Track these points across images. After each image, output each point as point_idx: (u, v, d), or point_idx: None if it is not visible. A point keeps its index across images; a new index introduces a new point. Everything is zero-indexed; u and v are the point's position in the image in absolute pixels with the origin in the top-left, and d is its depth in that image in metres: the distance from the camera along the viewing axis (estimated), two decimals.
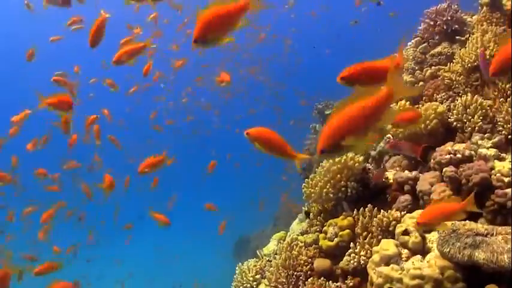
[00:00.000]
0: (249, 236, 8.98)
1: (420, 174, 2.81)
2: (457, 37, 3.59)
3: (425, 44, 3.67)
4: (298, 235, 3.04)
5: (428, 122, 2.80)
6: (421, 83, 3.44)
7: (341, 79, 1.74)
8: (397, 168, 3.15)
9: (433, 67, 3.49)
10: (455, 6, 3.71)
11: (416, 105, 3.27)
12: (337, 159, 2.77)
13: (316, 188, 2.78)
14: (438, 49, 3.60)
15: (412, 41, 3.96)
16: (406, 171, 2.80)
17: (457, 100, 2.93)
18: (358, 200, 2.81)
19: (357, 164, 2.74)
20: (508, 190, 2.14)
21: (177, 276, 8.70)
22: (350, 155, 2.76)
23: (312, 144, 6.12)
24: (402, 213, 2.51)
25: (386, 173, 3.18)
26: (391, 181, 2.93)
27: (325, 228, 2.76)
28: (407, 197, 2.68)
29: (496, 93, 2.87)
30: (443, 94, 3.12)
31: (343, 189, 2.75)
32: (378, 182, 2.80)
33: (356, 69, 1.74)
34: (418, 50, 3.67)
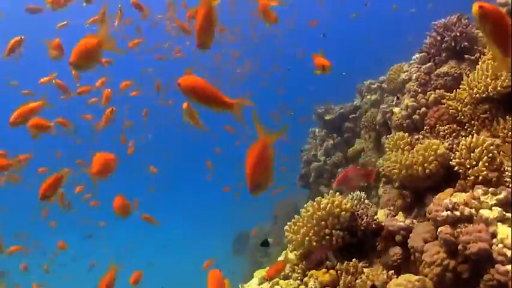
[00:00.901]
0: (248, 233, 8.78)
1: (414, 222, 2.51)
2: (466, 56, 3.21)
3: (431, 64, 3.30)
4: (280, 278, 2.77)
5: (427, 164, 2.47)
6: (423, 109, 3.09)
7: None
8: (391, 208, 2.85)
9: (437, 91, 3.13)
10: (466, 20, 3.31)
11: (416, 137, 2.94)
12: (322, 205, 2.47)
13: (299, 236, 2.49)
14: (444, 69, 3.23)
15: (417, 55, 3.59)
16: (399, 221, 2.49)
17: (461, 138, 2.60)
18: (344, 247, 2.53)
19: (343, 213, 2.43)
20: (510, 267, 1.83)
21: (175, 273, 8.56)
22: (336, 201, 2.45)
23: (312, 149, 5.81)
24: (390, 272, 2.22)
25: (379, 213, 2.89)
26: (382, 224, 2.64)
27: (305, 279, 2.49)
28: (397, 250, 2.39)
29: (505, 131, 2.53)
30: (447, 128, 2.77)
31: (327, 237, 2.45)
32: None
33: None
34: (422, 69, 3.30)
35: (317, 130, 5.84)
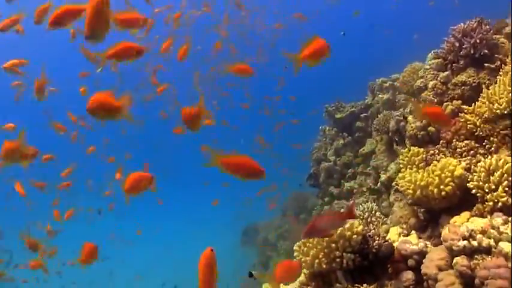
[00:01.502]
0: (257, 226, 8.74)
1: (428, 245, 2.41)
2: (486, 64, 3.05)
3: (448, 73, 3.14)
4: None
5: (443, 186, 2.36)
6: None
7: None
8: (404, 226, 2.75)
9: (454, 101, 2.99)
10: (487, 25, 3.14)
11: (431, 152, 2.81)
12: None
13: (308, 258, 2.40)
14: (462, 77, 3.08)
15: (433, 61, 3.43)
16: (412, 244, 2.38)
17: (480, 157, 2.47)
18: (355, 269, 2.44)
19: (355, 236, 2.33)
20: None
21: (183, 266, 8.55)
22: (347, 224, 2.35)
23: (322, 147, 5.69)
24: None
25: (391, 231, 2.79)
26: (395, 244, 2.55)
27: None
28: (410, 275, 2.29)
29: None
30: (464, 144, 2.64)
31: (337, 260, 2.36)
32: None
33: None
34: (439, 78, 3.15)
35: (327, 128, 5.71)
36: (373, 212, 3.18)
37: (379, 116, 4.42)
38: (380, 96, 5.19)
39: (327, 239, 2.38)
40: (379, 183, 4.13)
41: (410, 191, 2.47)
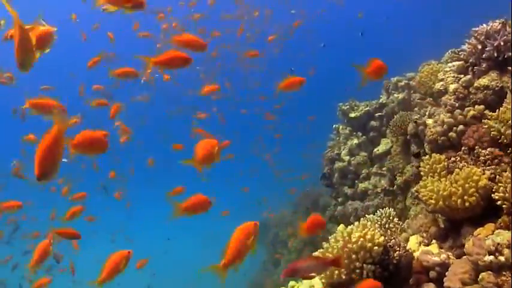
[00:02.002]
0: (268, 222, 8.69)
1: (451, 256, 2.34)
2: (510, 68, 2.95)
3: (470, 77, 3.05)
4: None
5: (466, 197, 2.28)
6: (460, 127, 2.86)
7: None
8: (424, 235, 2.68)
9: (476, 106, 2.89)
10: (511, 28, 3.03)
11: (453, 159, 2.72)
12: (354, 239, 2.31)
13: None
14: (484, 81, 2.97)
15: (453, 63, 3.33)
16: (434, 254, 2.31)
17: (505, 166, 2.39)
18: (374, 279, 2.38)
19: (376, 248, 2.27)
20: None
21: (191, 260, 8.55)
22: (369, 235, 2.29)
23: (335, 146, 5.61)
24: None
25: (410, 240, 2.72)
26: (415, 254, 2.48)
27: None
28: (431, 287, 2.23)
29: None
30: (488, 152, 2.55)
31: (357, 271, 2.30)
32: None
33: None
34: (461, 82, 3.05)
35: (341, 127, 5.62)
36: (390, 217, 3.11)
37: (395, 116, 4.32)
38: (395, 95, 5.09)
39: (346, 249, 2.32)
40: (395, 186, 4.06)
41: (433, 201, 2.39)
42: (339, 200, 5.08)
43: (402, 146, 4.34)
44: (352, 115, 5.41)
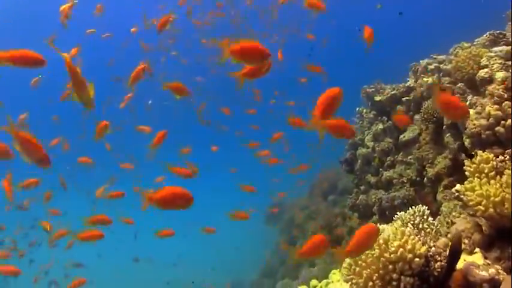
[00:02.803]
0: (283, 204, 8.49)
1: (500, 271, 2.06)
2: None
3: None
4: None
5: None
6: (509, 121, 2.54)
7: None
8: (466, 241, 2.40)
9: None
10: None
11: (501, 158, 2.41)
12: (392, 248, 2.04)
13: (361, 280, 2.09)
14: None
15: (499, 48, 2.97)
16: (481, 268, 2.04)
17: None
18: None
19: (417, 259, 2.00)
20: None
21: (208, 243, 8.42)
22: (409, 245, 2.02)
23: (358, 131, 5.29)
24: None
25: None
26: (459, 268, 2.21)
27: None
28: None
29: None
30: None
31: (394, 283, 2.05)
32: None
33: None
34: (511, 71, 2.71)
35: (365, 111, 5.29)
36: (424, 216, 2.83)
37: (426, 102, 3.98)
38: (424, 79, 4.71)
39: (383, 259, 2.06)
40: (425, 179, 3.76)
41: (482, 208, 2.10)
42: (361, 188, 4.79)
43: (432, 134, 4.02)
44: (378, 98, 5.06)
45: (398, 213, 2.91)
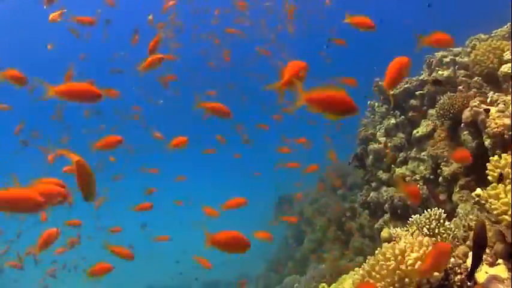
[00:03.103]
0: (292, 196, 8.34)
1: None
2: None
3: None
4: None
5: None
6: None
7: None
8: (487, 251, 2.23)
9: None
10: None
11: None
12: (409, 261, 1.88)
13: None
14: None
15: None
16: (504, 282, 1.88)
17: None
18: None
19: (436, 273, 1.84)
20: None
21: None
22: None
23: (370, 125, 5.11)
24: None
25: (470, 257, 2.27)
26: (477, 275, 2.05)
27: None
28: None
29: None
30: None
31: None
32: None
33: None
34: None
35: (377, 105, 5.10)
36: (441, 220, 2.67)
37: (442, 97, 3.78)
38: (439, 72, 4.51)
39: (399, 271, 1.90)
40: (440, 178, 3.58)
41: (507, 218, 1.93)
42: (372, 184, 4.62)
43: (448, 131, 3.83)
44: (392, 92, 4.86)
45: (412, 216, 2.76)
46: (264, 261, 8.07)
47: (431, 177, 3.98)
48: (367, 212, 4.74)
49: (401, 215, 4.03)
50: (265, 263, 7.62)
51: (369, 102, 5.24)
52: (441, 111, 3.68)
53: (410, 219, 2.76)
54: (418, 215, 2.80)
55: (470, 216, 2.84)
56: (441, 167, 3.63)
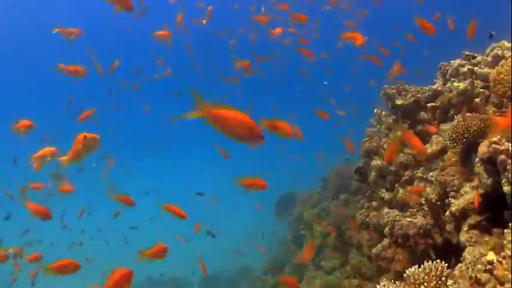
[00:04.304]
0: (294, 195, 7.89)
1: None
2: None
3: None
4: None
5: None
6: None
7: None
8: None
9: None
10: None
11: None
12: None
13: None
14: None
15: None
16: None
17: None
18: None
19: None
20: None
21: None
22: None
23: (375, 136, 4.59)
24: None
25: None
26: None
27: None
28: None
29: None
30: None
31: None
32: None
33: None
34: None
35: (383, 113, 4.56)
36: (443, 278, 2.21)
37: (456, 118, 3.25)
38: (455, 84, 3.95)
39: None
40: (447, 212, 3.07)
41: None
42: (374, 203, 4.13)
43: (461, 154, 3.30)
44: (399, 102, 4.32)
45: (408, 271, 2.31)
46: (264, 255, 7.72)
47: (438, 203, 3.48)
48: (366, 234, 4.26)
49: (401, 243, 3.55)
50: (263, 263, 7.24)
51: (375, 110, 4.70)
52: (454, 135, 3.15)
53: (406, 273, 2.31)
54: (417, 267, 2.34)
55: (479, 266, 2.37)
56: (450, 198, 3.12)
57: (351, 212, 5.69)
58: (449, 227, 3.24)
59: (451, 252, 3.23)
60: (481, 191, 2.80)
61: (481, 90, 3.93)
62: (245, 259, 7.96)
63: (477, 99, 3.84)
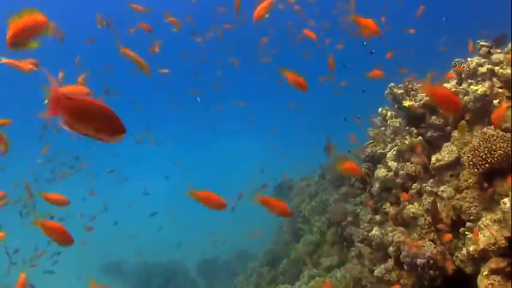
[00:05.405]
0: (292, 184, 7.45)
1: None
2: None
3: None
4: None
5: None
6: None
7: None
8: None
9: None
10: None
11: None
12: None
13: None
14: None
15: None
16: None
17: None
18: None
19: None
20: None
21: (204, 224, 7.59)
22: None
23: (379, 141, 4.07)
24: None
25: None
26: None
27: None
28: None
29: None
30: None
31: None
32: None
33: None
34: None
35: (389, 114, 4.02)
36: None
37: (476, 138, 2.72)
38: (472, 86, 3.39)
39: None
40: (463, 251, 2.60)
41: None
42: (377, 218, 3.66)
43: (480, 178, 2.81)
44: (407, 104, 3.76)
45: None
46: (263, 242, 7.39)
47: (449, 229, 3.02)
48: (367, 249, 3.81)
49: (407, 269, 3.12)
50: (261, 255, 6.88)
51: (380, 110, 4.15)
52: (474, 159, 2.63)
53: None
54: None
55: None
56: (466, 231, 2.65)
57: (352, 208, 5.27)
58: (466, 268, 2.78)
59: (463, 285, 2.81)
60: (506, 233, 2.33)
61: (501, 90, 3.40)
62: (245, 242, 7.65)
63: (495, 101, 3.32)
